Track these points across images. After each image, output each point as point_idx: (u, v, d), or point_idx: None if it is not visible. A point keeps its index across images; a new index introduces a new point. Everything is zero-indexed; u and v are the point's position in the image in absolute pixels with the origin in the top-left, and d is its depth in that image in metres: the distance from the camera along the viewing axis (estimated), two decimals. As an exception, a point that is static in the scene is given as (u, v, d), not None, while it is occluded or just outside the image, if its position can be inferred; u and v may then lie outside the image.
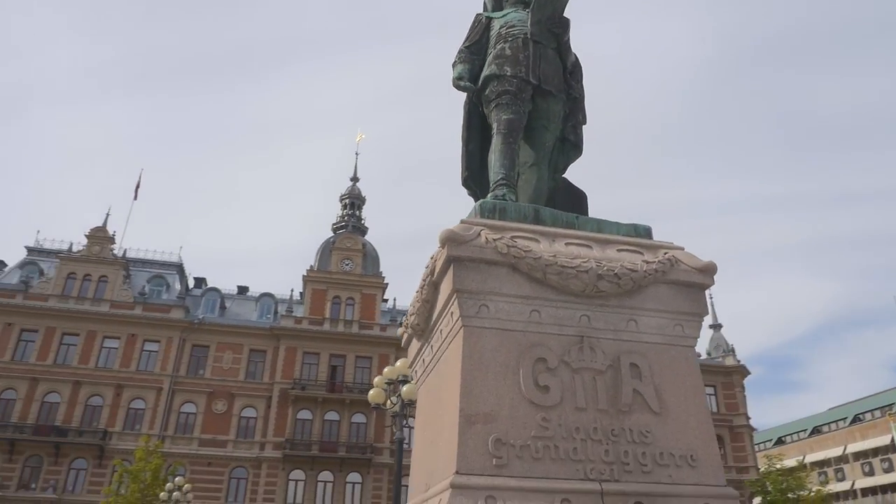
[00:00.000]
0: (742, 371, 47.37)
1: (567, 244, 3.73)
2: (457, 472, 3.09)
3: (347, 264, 45.47)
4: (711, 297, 51.41)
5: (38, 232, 53.82)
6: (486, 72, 4.94)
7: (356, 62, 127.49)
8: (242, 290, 48.07)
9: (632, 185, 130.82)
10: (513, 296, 3.51)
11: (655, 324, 3.65)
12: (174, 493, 25.55)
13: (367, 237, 48.69)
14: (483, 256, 3.50)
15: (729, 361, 47.35)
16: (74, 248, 43.00)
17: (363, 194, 50.73)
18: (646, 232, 4.14)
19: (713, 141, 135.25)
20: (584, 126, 5.31)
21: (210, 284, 47.38)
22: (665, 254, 3.79)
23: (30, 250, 44.58)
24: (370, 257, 46.66)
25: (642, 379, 3.49)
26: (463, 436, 3.18)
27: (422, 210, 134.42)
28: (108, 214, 44.25)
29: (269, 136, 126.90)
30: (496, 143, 4.62)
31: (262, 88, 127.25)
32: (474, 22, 5.41)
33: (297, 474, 39.00)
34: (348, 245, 46.13)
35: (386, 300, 48.18)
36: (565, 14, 5.28)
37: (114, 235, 43.70)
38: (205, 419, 39.65)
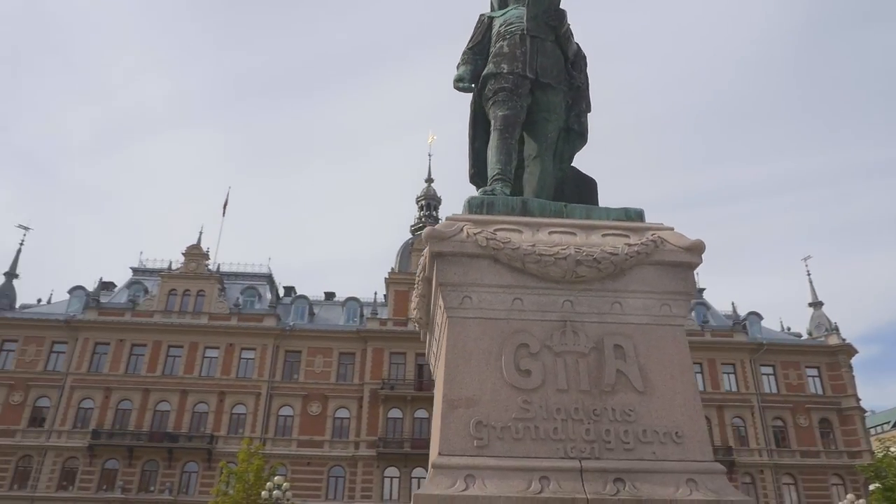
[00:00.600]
0: (848, 350, 44.56)
1: (550, 233, 3.85)
2: (439, 454, 3.30)
3: (427, 264, 46.23)
4: (809, 274, 48.78)
5: (142, 253, 57.77)
6: (485, 71, 5.10)
7: (426, 63, 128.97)
8: (329, 295, 49.79)
9: (716, 161, 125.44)
10: (495, 286, 3.68)
11: (641, 305, 3.72)
12: (275, 492, 26.92)
13: (444, 236, 49.30)
14: (464, 250, 3.69)
15: (833, 340, 44.66)
16: (173, 266, 45.95)
17: (438, 194, 51.41)
18: (637, 215, 4.19)
19: (797, 111, 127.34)
20: (588, 114, 5.39)
21: (299, 292, 49.40)
22: (651, 235, 3.84)
23: (135, 271, 48.04)
24: (449, 256, 47.23)
25: (626, 359, 3.57)
26: (445, 419, 3.39)
27: None
28: (201, 232, 47.15)
29: (345, 144, 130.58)
30: (493, 139, 4.77)
31: (336, 98, 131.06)
32: (477, 23, 5.57)
33: (392, 471, 40.06)
34: (426, 245, 46.88)
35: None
36: (563, 7, 5.39)
37: (207, 252, 46.40)
38: (301, 421, 41.40)
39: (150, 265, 47.88)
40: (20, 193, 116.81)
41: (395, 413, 41.63)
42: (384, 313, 45.06)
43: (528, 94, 4.96)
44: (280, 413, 41.65)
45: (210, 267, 46.14)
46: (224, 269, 47.35)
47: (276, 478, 28.23)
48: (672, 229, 4.00)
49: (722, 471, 3.38)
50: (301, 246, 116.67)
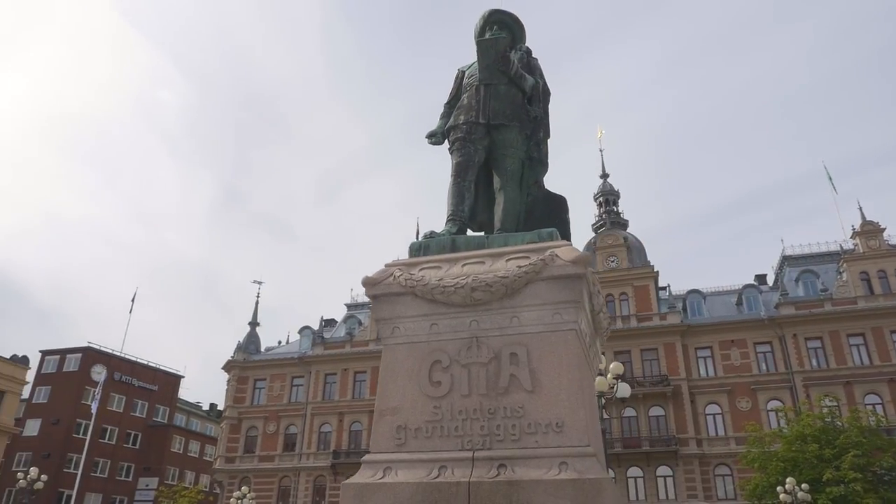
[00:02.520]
0: None
1: (464, 265, 4.65)
2: (369, 452, 4.30)
3: (613, 261, 45.65)
4: None
5: (352, 289, 64.14)
6: (448, 124, 5.98)
7: (586, 61, 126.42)
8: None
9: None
10: (416, 316, 4.58)
11: (536, 316, 4.37)
12: None
13: (628, 230, 48.27)
14: (391, 291, 4.65)
15: None
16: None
17: (616, 188, 50.47)
18: (548, 235, 4.81)
19: None
20: (549, 140, 6.00)
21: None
22: (546, 253, 4.47)
23: (348, 307, 53.73)
24: (635, 249, 46.15)
25: (519, 364, 4.25)
26: (375, 426, 4.38)
27: (682, 191, 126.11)
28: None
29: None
30: (449, 185, 5.62)
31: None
32: (455, 77, 6.46)
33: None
34: (609, 242, 46.34)
35: (664, 288, 47.03)
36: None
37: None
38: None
39: (360, 300, 53.18)
40: (263, 252, 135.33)
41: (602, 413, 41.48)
42: (576, 316, 45.27)
43: (486, 137, 5.72)
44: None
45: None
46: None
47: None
48: (567, 244, 4.58)
49: (592, 453, 3.91)
50: None
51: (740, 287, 45.24)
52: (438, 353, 4.46)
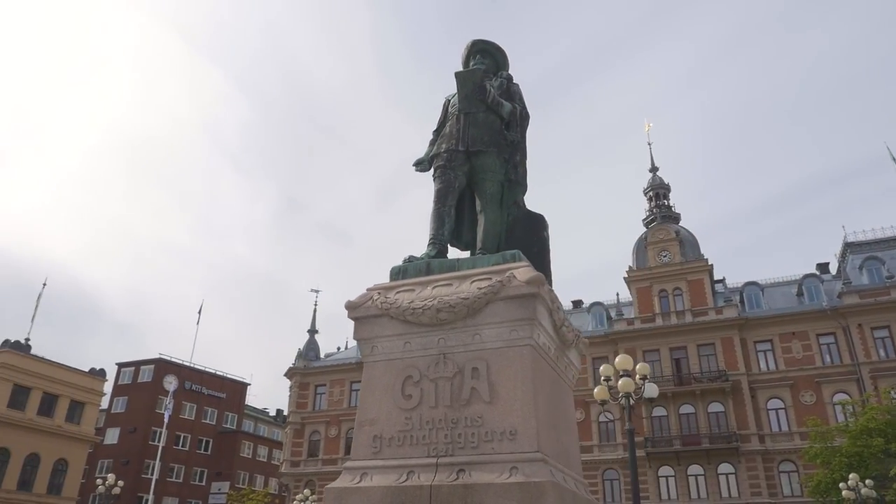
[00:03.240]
0: None
1: (434, 288, 5.10)
2: (350, 459, 4.81)
3: (665, 256, 44.98)
4: None
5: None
6: (433, 152, 6.44)
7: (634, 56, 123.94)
8: (577, 304, 50.91)
9: None
10: (392, 335, 5.07)
11: (495, 333, 4.79)
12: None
13: (680, 224, 47.45)
14: (369, 313, 5.16)
15: None
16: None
17: (666, 182, 49.66)
18: (512, 257, 5.20)
19: None
20: (527, 161, 6.39)
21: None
22: (505, 275, 4.88)
23: (403, 311, 54.68)
24: (687, 243, 45.34)
25: (479, 378, 4.68)
26: (355, 435, 4.89)
27: (736, 182, 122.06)
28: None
29: (561, 158, 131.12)
30: (431, 210, 6.08)
31: (555, 110, 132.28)
32: (442, 106, 6.91)
33: (666, 470, 39.43)
34: (661, 237, 45.68)
35: (720, 281, 46.05)
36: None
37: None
38: (568, 428, 42.93)
39: (414, 304, 54.02)
40: (324, 259, 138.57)
41: (659, 411, 40.92)
42: (630, 313, 44.83)
43: (466, 163, 6.16)
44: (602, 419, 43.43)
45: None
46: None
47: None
48: (526, 266, 4.97)
49: (541, 459, 4.28)
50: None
51: (800, 277, 43.82)
52: (411, 368, 4.93)
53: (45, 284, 48.94)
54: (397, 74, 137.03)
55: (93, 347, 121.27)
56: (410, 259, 5.66)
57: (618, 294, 47.03)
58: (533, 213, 6.38)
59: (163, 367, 60.98)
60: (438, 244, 5.84)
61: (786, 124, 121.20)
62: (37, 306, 47.79)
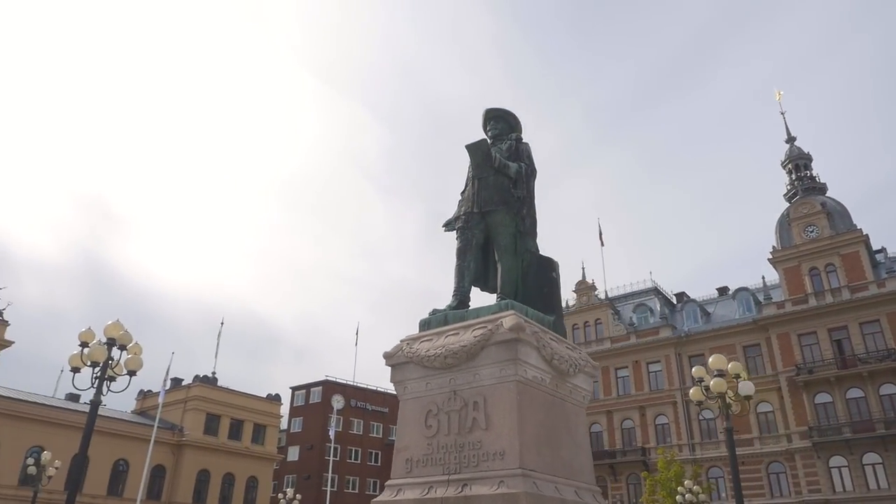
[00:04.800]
0: None
1: (446, 337, 6.37)
2: (390, 478, 6.19)
3: (811, 230, 42.11)
4: None
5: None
6: (454, 214, 7.69)
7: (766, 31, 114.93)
8: (722, 291, 48.87)
9: None
10: (417, 378, 6.40)
11: (489, 373, 5.96)
12: (687, 495, 28.52)
13: (827, 195, 44.15)
14: (400, 361, 6.53)
15: None
16: (570, 304, 51.66)
17: (806, 151, 46.38)
18: (506, 306, 6.33)
19: None
20: (534, 211, 7.45)
21: (690, 296, 49.88)
22: (495, 323, 6.04)
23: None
24: (836, 214, 42.13)
25: (478, 410, 5.87)
26: (395, 459, 6.26)
27: (888, 146, 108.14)
28: (583, 268, 52.01)
29: (691, 143, 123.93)
30: (455, 265, 7.33)
31: (693, 99, 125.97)
32: (467, 171, 8.16)
33: (837, 460, 36.85)
34: (804, 211, 42.82)
35: (879, 251, 42.28)
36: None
37: (593, 283, 50.95)
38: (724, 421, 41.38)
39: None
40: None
41: (823, 398, 38.41)
42: (779, 295, 42.40)
43: (481, 221, 7.37)
44: (701, 417, 42.39)
45: (599, 296, 50.49)
46: (612, 294, 51.12)
47: (686, 482, 29.73)
48: (512, 314, 6.07)
49: (521, 474, 5.33)
50: (680, 252, 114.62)
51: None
52: (431, 404, 6.23)
53: (222, 323, 55.55)
54: (523, 76, 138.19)
55: (277, 372, 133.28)
56: (434, 311, 6.96)
57: (763, 277, 44.71)
58: (544, 257, 7.43)
59: (330, 387, 66.29)
60: (459, 295, 7.09)
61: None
62: (218, 343, 54.31)
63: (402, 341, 6.74)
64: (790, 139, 47.24)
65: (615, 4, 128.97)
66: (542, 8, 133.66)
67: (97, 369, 11.30)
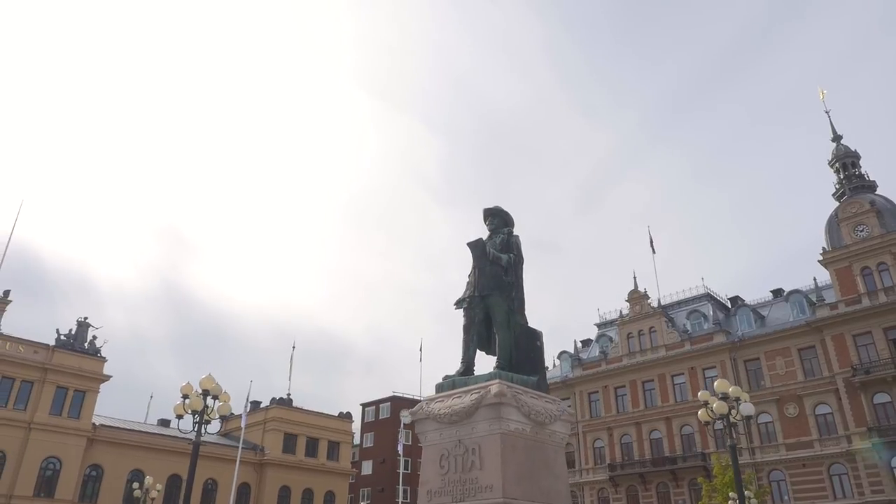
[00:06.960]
0: None
1: (453, 399, 8.61)
2: (416, 506, 8.48)
3: (861, 230, 42.09)
4: None
5: (599, 309, 66.81)
6: (461, 296, 9.94)
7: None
8: (777, 293, 49.04)
9: None
10: (433, 430, 8.66)
11: (482, 427, 8.15)
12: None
13: (877, 193, 43.97)
14: (421, 416, 8.82)
15: None
16: (624, 313, 52.82)
17: (853, 149, 46.24)
18: (494, 375, 8.52)
19: None
20: (522, 294, 9.62)
21: (744, 300, 50.25)
22: (484, 390, 8.25)
23: (598, 326, 56.71)
24: (887, 212, 42.00)
25: (475, 454, 8.07)
26: (419, 490, 8.54)
27: None
28: (634, 277, 53.09)
29: (743, 139, 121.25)
30: (462, 338, 9.57)
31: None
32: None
33: (900, 461, 36.79)
34: (853, 210, 42.83)
35: (937, 246, 41.78)
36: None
37: (645, 292, 51.96)
38: (782, 425, 41.85)
39: (608, 317, 55.95)
40: (535, 274, 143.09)
41: (882, 398, 38.45)
42: (831, 297, 42.50)
43: (481, 302, 9.58)
44: (759, 421, 42.80)
45: (652, 304, 51.45)
46: (664, 301, 51.97)
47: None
48: (498, 382, 8.25)
49: (503, 501, 7.53)
50: (730, 255, 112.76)
51: None
52: (443, 450, 8.47)
53: (294, 347, 59.16)
54: (571, 80, 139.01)
55: (346, 383, 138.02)
56: (446, 377, 9.22)
57: (815, 278, 44.75)
58: (531, 328, 9.59)
59: (397, 402, 69.26)
60: (465, 363, 9.33)
61: None
62: (291, 366, 58.08)
63: (422, 401, 9.03)
64: (836, 137, 47.18)
65: (657, 7, 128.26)
66: (587, 11, 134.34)
67: (195, 415, 14.06)
